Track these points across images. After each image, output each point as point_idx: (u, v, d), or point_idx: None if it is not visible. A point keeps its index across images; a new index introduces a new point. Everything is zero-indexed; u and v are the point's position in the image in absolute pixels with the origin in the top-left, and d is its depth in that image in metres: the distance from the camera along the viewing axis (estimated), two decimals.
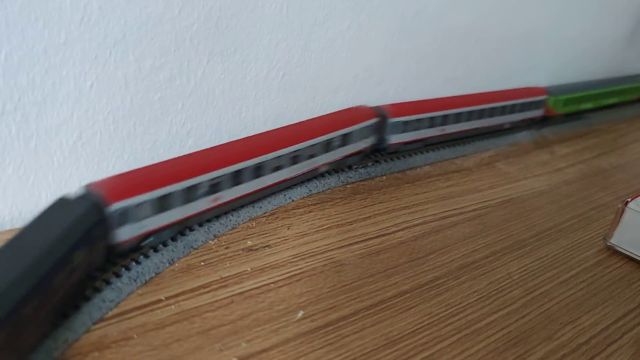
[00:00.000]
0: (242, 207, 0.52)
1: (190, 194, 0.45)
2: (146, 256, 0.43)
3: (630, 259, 0.51)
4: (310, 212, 0.54)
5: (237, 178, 0.49)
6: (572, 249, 0.53)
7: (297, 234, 0.50)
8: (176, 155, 0.46)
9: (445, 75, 0.81)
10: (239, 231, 0.49)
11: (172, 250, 0.44)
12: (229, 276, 0.43)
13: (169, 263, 0.43)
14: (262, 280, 0.43)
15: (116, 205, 0.40)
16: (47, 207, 0.37)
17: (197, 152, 0.48)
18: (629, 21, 1.12)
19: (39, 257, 0.32)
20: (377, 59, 0.71)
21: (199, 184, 0.45)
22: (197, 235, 0.47)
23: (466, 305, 0.42)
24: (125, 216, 0.41)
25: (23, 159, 0.47)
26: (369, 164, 0.64)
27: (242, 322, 0.38)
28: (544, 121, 0.88)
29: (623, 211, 0.51)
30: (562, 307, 0.44)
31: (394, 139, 0.66)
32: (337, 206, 0.56)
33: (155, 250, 0.44)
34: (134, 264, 0.42)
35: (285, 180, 0.55)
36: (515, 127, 0.83)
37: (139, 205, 0.41)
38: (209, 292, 0.41)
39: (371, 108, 0.64)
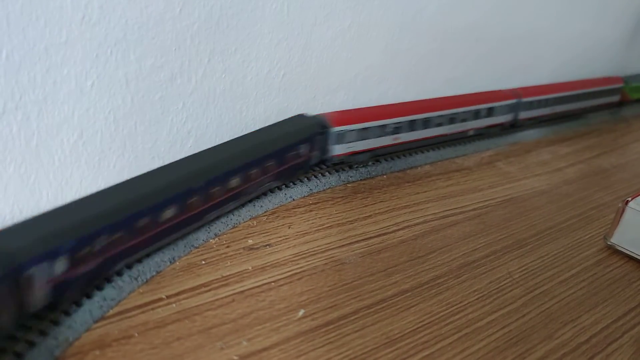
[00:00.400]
0: (242, 206, 0.52)
1: (380, 131, 0.64)
2: (147, 255, 0.43)
3: (631, 258, 0.51)
4: (311, 211, 0.54)
5: (411, 126, 0.67)
6: (573, 248, 0.53)
7: (298, 232, 0.50)
8: (177, 155, 0.47)
9: (445, 75, 0.81)
10: (240, 230, 0.49)
11: (173, 249, 0.44)
12: (229, 275, 0.43)
13: (170, 262, 0.43)
14: (263, 279, 0.43)
15: (336, 129, 0.59)
16: (288, 118, 0.59)
17: (387, 104, 0.68)
18: (629, 21, 1.12)
19: (286, 135, 0.55)
20: (377, 59, 0.71)
21: (386, 125, 0.64)
22: (198, 234, 0.47)
23: (467, 304, 0.43)
24: (340, 137, 0.60)
25: (24, 157, 0.47)
26: (370, 163, 0.64)
27: (243, 320, 0.38)
28: (620, 105, 1.03)
29: (623, 210, 0.51)
30: (562, 306, 0.44)
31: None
32: (338, 205, 0.56)
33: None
34: (135, 262, 0.42)
35: (443, 135, 0.72)
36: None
37: (349, 131, 0.60)
38: (210, 290, 0.41)
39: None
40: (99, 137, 0.50)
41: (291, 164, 0.55)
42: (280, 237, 0.49)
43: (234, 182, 0.49)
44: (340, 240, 0.49)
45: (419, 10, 0.72)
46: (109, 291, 0.39)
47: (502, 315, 0.42)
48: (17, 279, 0.32)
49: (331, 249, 0.48)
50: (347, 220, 0.53)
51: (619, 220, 0.51)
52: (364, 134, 0.62)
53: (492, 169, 0.70)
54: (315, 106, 0.67)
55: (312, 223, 0.52)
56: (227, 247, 0.47)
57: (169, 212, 0.43)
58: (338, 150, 0.60)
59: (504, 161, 0.73)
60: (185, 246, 0.45)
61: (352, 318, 0.40)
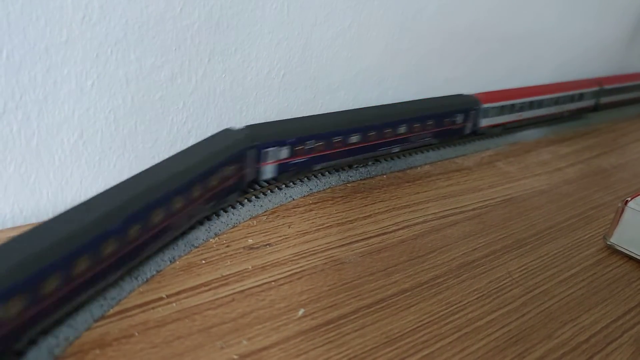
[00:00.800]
0: (243, 205, 0.52)
1: (511, 109, 0.79)
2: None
3: (630, 258, 0.51)
4: (311, 210, 0.54)
5: (530, 106, 0.83)
6: (572, 248, 0.53)
7: (298, 232, 0.50)
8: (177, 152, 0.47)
9: (446, 75, 0.81)
10: (240, 229, 0.49)
11: (173, 249, 0.44)
12: (229, 274, 0.43)
13: (170, 261, 0.43)
14: (263, 279, 0.43)
15: (484, 105, 0.74)
16: (446, 95, 0.74)
17: (514, 88, 0.83)
18: (630, 21, 1.13)
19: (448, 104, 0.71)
20: (378, 59, 0.71)
21: (515, 104, 0.80)
22: (198, 234, 0.47)
23: (466, 304, 0.43)
24: (486, 112, 0.75)
25: (24, 157, 0.47)
26: (370, 163, 0.64)
27: (243, 320, 0.38)
28: None
29: (623, 210, 0.51)
30: (562, 306, 0.44)
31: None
32: (338, 205, 0.56)
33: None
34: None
35: (548, 115, 0.87)
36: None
37: (492, 108, 0.76)
38: (210, 290, 0.41)
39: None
40: (99, 137, 0.51)
41: (449, 128, 0.72)
42: (280, 236, 0.49)
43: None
44: (340, 239, 0.49)
45: (419, 10, 0.72)
46: (109, 290, 0.39)
47: (502, 314, 0.42)
48: None
49: (331, 248, 0.48)
50: (347, 219, 0.53)
51: (619, 220, 0.51)
52: (501, 110, 0.79)
53: (492, 168, 0.70)
54: (316, 106, 0.67)
55: (312, 222, 0.52)
56: (227, 246, 0.47)
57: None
58: (483, 122, 0.76)
59: (504, 161, 0.73)
60: (185, 245, 0.45)
61: (352, 317, 0.40)
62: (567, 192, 0.65)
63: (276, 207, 0.54)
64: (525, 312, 0.42)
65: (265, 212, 0.53)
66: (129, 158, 0.53)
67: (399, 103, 0.68)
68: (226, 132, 0.52)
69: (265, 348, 0.36)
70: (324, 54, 0.65)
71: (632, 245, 0.51)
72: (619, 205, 0.51)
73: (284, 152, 0.54)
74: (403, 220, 0.54)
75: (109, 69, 0.49)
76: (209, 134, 0.58)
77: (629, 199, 0.51)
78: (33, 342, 0.33)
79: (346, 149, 0.60)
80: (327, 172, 0.60)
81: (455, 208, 0.58)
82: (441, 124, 0.70)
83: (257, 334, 0.37)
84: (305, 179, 0.58)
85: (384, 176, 0.64)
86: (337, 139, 0.59)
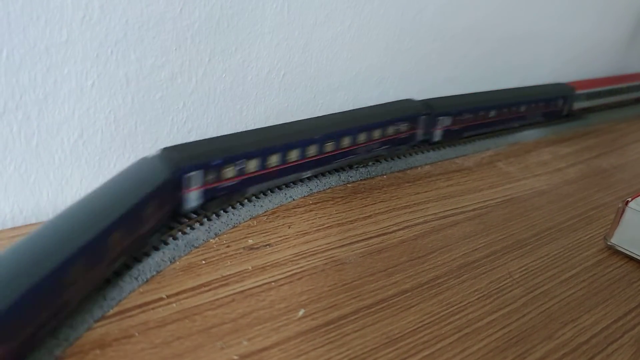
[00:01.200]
0: (243, 205, 0.52)
1: (597, 95, 0.96)
2: (147, 254, 0.43)
3: (631, 259, 0.51)
4: (311, 210, 0.54)
5: (611, 92, 1.00)
6: (573, 248, 0.53)
7: (298, 232, 0.50)
8: None
9: (445, 75, 0.81)
10: (240, 230, 0.49)
11: (173, 249, 0.44)
12: (230, 275, 0.43)
13: (170, 261, 0.43)
14: (263, 279, 0.43)
15: (579, 91, 0.90)
16: (549, 83, 0.89)
17: (599, 78, 0.99)
18: (630, 22, 1.13)
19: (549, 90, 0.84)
20: (378, 59, 0.71)
21: (600, 91, 0.96)
22: (198, 234, 0.47)
23: (467, 304, 0.43)
24: (577, 98, 0.90)
25: (24, 157, 0.47)
26: (370, 163, 0.64)
27: (243, 320, 0.38)
28: None
29: (623, 211, 0.51)
30: (562, 307, 0.44)
31: None
32: (338, 205, 0.56)
33: (157, 249, 0.44)
34: (135, 262, 0.42)
35: (622, 101, 1.04)
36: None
37: (582, 94, 0.91)
38: (210, 290, 0.41)
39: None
40: (100, 137, 0.50)
41: (553, 110, 0.87)
42: (280, 237, 0.49)
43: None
44: (341, 240, 0.49)
45: (419, 10, 0.72)
46: (109, 291, 0.39)
47: (502, 315, 0.42)
48: None
49: (331, 248, 0.48)
50: (347, 220, 0.53)
51: (619, 221, 0.51)
52: (590, 96, 0.93)
53: (492, 169, 0.70)
54: (316, 106, 0.67)
55: (312, 223, 0.52)
56: (227, 246, 0.47)
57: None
58: (575, 106, 0.91)
59: (504, 161, 0.73)
60: (185, 246, 0.45)
61: (352, 318, 0.40)
62: (568, 192, 0.65)
63: (276, 208, 0.54)
64: (525, 313, 0.42)
65: (265, 212, 0.53)
66: (129, 158, 0.53)
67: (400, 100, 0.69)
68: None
69: (265, 348, 0.36)
70: (324, 54, 0.65)
71: (633, 246, 0.51)
72: (620, 205, 0.51)
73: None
74: (403, 221, 0.54)
75: (109, 69, 0.49)
76: (209, 134, 0.58)
77: (629, 199, 0.51)
78: (33, 342, 0.33)
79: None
80: (327, 173, 0.60)
81: (456, 208, 0.58)
82: (547, 107, 0.87)
83: (257, 335, 0.37)
84: (306, 179, 0.58)
85: (384, 176, 0.64)
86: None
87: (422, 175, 0.65)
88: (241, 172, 0.50)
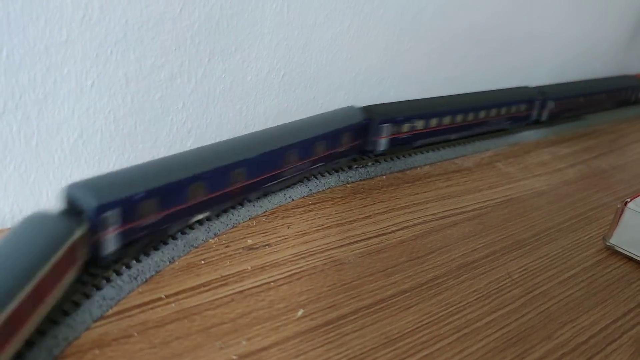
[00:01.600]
0: (242, 205, 0.52)
1: None
2: (146, 254, 0.43)
3: (630, 259, 0.51)
4: (310, 211, 0.54)
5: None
6: (572, 249, 0.53)
7: (297, 232, 0.50)
8: (177, 151, 0.47)
9: (445, 75, 0.81)
10: (239, 230, 0.49)
11: (173, 249, 0.44)
12: (229, 275, 0.43)
13: (169, 261, 0.43)
14: (262, 279, 0.43)
15: None
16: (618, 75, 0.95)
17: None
18: (630, 22, 1.13)
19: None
20: (377, 59, 0.71)
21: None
22: (198, 234, 0.47)
23: (466, 305, 0.43)
24: None
25: (24, 157, 0.47)
26: (369, 163, 0.64)
27: (242, 320, 0.38)
28: None
29: (622, 211, 0.51)
30: (561, 307, 0.44)
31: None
32: (337, 205, 0.56)
33: (156, 249, 0.44)
34: (135, 262, 0.42)
35: None
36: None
37: None
38: (209, 290, 0.41)
39: None
40: (99, 137, 0.50)
41: (626, 98, 1.01)
42: (279, 237, 0.49)
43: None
44: (340, 240, 0.49)
45: (419, 10, 0.72)
46: (108, 291, 0.39)
47: (501, 315, 0.42)
48: None
49: (330, 249, 0.48)
50: (347, 220, 0.53)
51: (618, 221, 0.51)
52: None
53: (492, 169, 0.70)
54: (316, 106, 0.67)
55: (312, 223, 0.52)
56: (227, 247, 0.47)
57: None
58: None
59: (504, 162, 0.73)
60: (184, 246, 0.45)
61: (352, 318, 0.40)
62: (567, 193, 0.65)
63: (275, 208, 0.54)
64: (524, 313, 0.42)
65: (264, 212, 0.53)
66: (128, 158, 0.53)
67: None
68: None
69: (264, 348, 0.36)
70: (323, 54, 0.65)
71: (632, 246, 0.51)
72: (619, 206, 0.51)
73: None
74: (402, 221, 0.54)
75: (108, 69, 0.49)
76: (208, 134, 0.58)
77: (628, 199, 0.51)
78: (32, 342, 0.33)
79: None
80: (326, 173, 0.60)
81: (455, 209, 0.58)
82: (618, 97, 0.99)
83: (256, 335, 0.37)
84: (305, 179, 0.58)
85: (384, 177, 0.64)
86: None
87: (422, 175, 0.65)
88: (413, 128, 0.66)
